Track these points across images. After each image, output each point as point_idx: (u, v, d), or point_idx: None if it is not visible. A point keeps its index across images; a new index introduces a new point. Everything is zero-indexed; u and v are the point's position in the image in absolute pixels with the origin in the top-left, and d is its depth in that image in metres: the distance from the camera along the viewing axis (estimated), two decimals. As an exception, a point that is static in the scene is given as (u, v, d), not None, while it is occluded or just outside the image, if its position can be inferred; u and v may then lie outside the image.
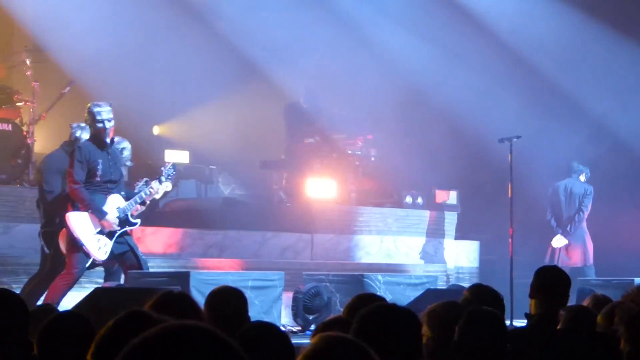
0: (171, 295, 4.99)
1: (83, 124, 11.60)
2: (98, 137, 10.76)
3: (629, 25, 17.93)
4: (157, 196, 11.35)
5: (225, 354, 2.02)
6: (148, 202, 11.13)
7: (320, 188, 16.37)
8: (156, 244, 13.90)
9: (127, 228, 10.85)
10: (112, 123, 10.79)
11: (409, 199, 16.94)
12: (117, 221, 10.69)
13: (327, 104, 17.29)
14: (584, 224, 15.48)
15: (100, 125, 10.70)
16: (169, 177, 11.19)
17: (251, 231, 15.37)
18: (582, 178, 15.65)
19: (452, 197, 17.37)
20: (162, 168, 11.20)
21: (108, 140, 10.79)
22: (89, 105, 10.86)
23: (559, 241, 15.39)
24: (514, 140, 13.37)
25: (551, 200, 15.67)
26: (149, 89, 17.09)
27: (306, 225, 15.59)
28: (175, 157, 17.19)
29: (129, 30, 16.98)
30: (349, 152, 17.25)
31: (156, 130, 19.38)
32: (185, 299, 5.00)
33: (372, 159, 17.28)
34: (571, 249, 15.38)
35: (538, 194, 17.05)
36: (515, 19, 18.06)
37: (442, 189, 17.36)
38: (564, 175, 15.83)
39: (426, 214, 16.91)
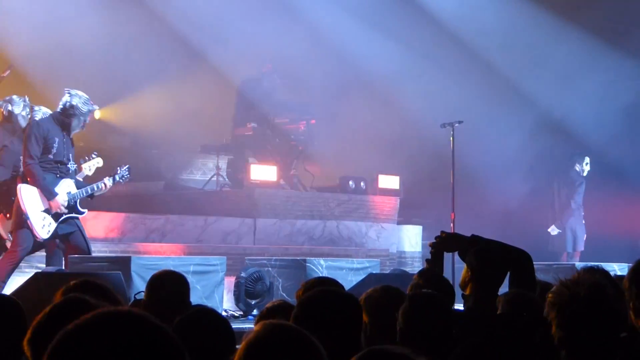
0: (79, 284, 4.85)
1: (8, 98, 11.63)
2: (65, 119, 10.68)
3: (572, 11, 18.07)
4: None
5: (158, 340, 2.00)
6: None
7: (263, 172, 16.34)
8: (97, 229, 13.79)
9: (74, 215, 10.79)
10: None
11: (351, 184, 16.97)
12: (65, 204, 10.64)
13: (271, 88, 17.26)
14: (580, 212, 16.35)
15: (73, 111, 10.66)
16: (123, 177, 11.18)
17: (193, 216, 15.31)
18: (577, 168, 16.46)
19: (394, 181, 17.43)
20: (118, 168, 11.20)
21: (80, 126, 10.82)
22: (70, 90, 10.79)
23: (552, 230, 16.37)
24: (456, 125, 13.37)
25: (551, 192, 16.64)
26: (91, 73, 16.92)
27: (249, 210, 15.56)
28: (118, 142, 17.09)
29: (70, 13, 16.80)
30: (292, 136, 17.23)
31: (98, 114, 19.20)
32: (88, 285, 4.81)
33: (315, 143, 17.27)
34: (563, 236, 16.27)
35: (480, 179, 17.18)
36: (458, 4, 18.13)
37: (384, 174, 17.40)
38: (561, 167, 16.75)
39: (369, 198, 16.94)
